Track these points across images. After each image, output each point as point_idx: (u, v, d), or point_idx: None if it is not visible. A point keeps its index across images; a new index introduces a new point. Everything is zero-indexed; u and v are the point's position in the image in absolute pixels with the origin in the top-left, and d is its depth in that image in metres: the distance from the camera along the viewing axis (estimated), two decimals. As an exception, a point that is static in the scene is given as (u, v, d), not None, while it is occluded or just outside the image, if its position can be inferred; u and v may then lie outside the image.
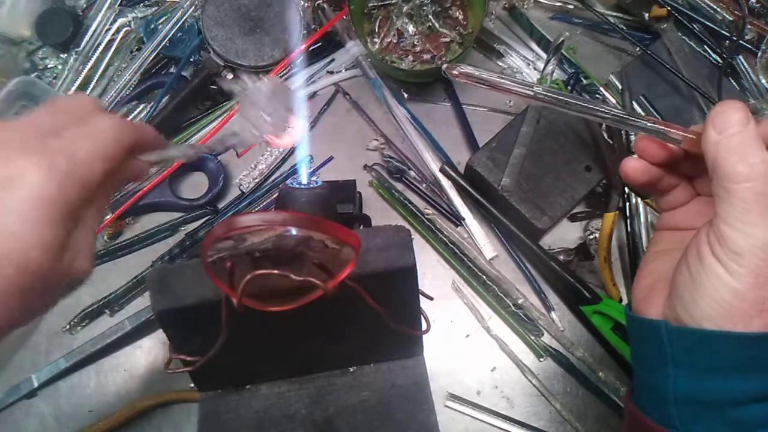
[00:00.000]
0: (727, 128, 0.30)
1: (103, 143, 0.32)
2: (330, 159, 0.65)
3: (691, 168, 0.38)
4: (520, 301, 0.59)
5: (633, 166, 0.38)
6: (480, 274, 0.60)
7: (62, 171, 0.29)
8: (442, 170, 0.62)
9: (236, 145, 0.64)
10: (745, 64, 0.65)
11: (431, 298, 0.51)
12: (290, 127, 0.44)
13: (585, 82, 0.66)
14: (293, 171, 0.65)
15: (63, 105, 0.34)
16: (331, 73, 0.67)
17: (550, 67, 0.63)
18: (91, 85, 0.67)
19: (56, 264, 0.29)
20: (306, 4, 0.68)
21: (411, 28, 0.66)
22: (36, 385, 0.57)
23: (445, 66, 0.38)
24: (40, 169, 0.28)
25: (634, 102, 0.64)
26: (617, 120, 0.36)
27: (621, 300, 0.58)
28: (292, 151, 0.65)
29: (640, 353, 0.36)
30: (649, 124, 0.35)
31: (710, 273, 0.30)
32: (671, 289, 0.33)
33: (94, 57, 0.67)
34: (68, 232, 0.30)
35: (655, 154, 0.37)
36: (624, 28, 0.67)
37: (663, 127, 0.35)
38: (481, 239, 0.61)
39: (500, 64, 0.68)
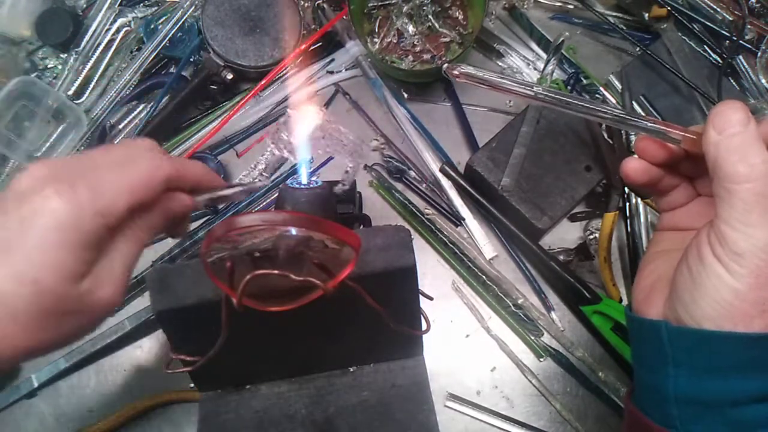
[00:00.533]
0: (728, 128, 0.30)
1: (133, 177, 0.34)
2: (330, 159, 0.65)
3: (692, 168, 0.38)
4: (520, 301, 0.59)
5: (633, 167, 0.38)
6: (480, 274, 0.60)
7: (82, 201, 0.31)
8: (442, 170, 0.62)
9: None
10: (745, 64, 0.65)
11: (431, 298, 0.51)
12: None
13: (585, 82, 0.66)
14: (293, 171, 0.65)
15: (121, 144, 0.37)
16: (331, 73, 0.67)
17: (550, 67, 0.63)
18: (91, 85, 0.67)
19: (72, 288, 0.31)
20: (306, 4, 0.68)
21: (411, 28, 0.66)
22: (36, 385, 0.57)
23: (445, 66, 0.38)
24: (61, 198, 0.31)
25: (634, 102, 0.64)
26: (617, 120, 0.36)
27: (621, 300, 0.58)
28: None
29: (640, 353, 0.36)
30: (649, 124, 0.35)
31: (711, 273, 0.30)
32: (671, 290, 0.33)
33: (94, 57, 0.67)
34: (88, 260, 0.32)
35: (655, 155, 0.37)
36: (624, 28, 0.67)
37: (663, 127, 0.35)
38: (481, 239, 0.61)
39: (500, 64, 0.68)
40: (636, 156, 0.38)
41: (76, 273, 0.31)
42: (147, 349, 0.59)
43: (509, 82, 0.37)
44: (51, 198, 0.31)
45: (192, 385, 0.56)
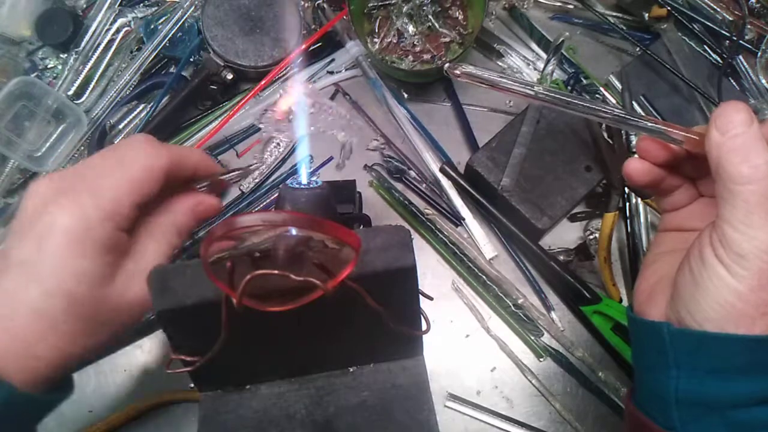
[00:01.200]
0: (730, 129, 0.30)
1: (132, 174, 0.35)
2: (330, 159, 0.65)
3: (694, 169, 0.37)
4: (520, 301, 0.59)
5: (635, 167, 0.38)
6: (480, 274, 0.60)
7: (88, 210, 0.33)
8: (442, 170, 0.62)
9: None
10: (745, 64, 0.65)
11: (431, 298, 0.51)
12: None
13: (585, 82, 0.66)
14: (293, 171, 0.65)
15: (114, 146, 0.37)
16: (331, 73, 0.67)
17: (550, 67, 0.63)
18: (91, 85, 0.67)
19: (104, 291, 0.33)
20: (306, 4, 0.68)
21: (411, 28, 0.66)
22: (36, 385, 0.57)
23: (446, 66, 0.38)
24: (67, 212, 0.32)
25: (634, 102, 0.64)
26: (618, 120, 0.36)
27: (621, 300, 0.58)
28: (292, 151, 0.65)
29: (641, 354, 0.36)
30: (650, 124, 0.35)
31: (713, 275, 0.30)
32: (673, 291, 0.33)
33: (94, 57, 0.67)
34: (110, 263, 0.34)
35: (656, 155, 0.37)
36: (624, 28, 0.67)
37: (664, 128, 0.34)
38: (481, 239, 0.61)
39: (500, 64, 0.68)
40: (637, 156, 0.38)
41: (103, 277, 0.33)
42: (147, 349, 0.59)
43: (510, 82, 0.37)
44: (59, 213, 0.32)
45: (192, 385, 0.56)
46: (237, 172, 0.44)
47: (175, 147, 0.39)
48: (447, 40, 0.66)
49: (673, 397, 0.32)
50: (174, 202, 0.39)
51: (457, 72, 0.37)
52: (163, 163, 0.36)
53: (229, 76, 0.65)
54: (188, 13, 0.66)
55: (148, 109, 0.65)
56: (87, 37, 0.67)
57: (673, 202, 0.39)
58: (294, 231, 0.34)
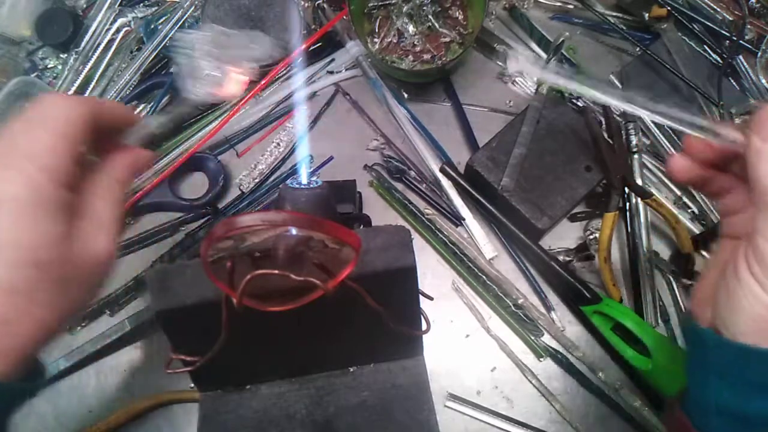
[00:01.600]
0: None
1: (56, 128, 0.34)
2: (330, 159, 0.65)
3: (743, 169, 0.35)
4: (520, 301, 0.59)
5: (678, 163, 0.36)
6: (480, 274, 0.60)
7: (31, 174, 0.32)
8: (442, 170, 0.62)
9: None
10: (745, 64, 0.65)
11: (431, 298, 0.51)
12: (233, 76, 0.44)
13: (585, 82, 0.66)
14: (293, 171, 0.65)
15: (26, 112, 0.35)
16: (331, 73, 0.67)
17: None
18: (91, 85, 0.67)
19: (64, 249, 0.33)
20: (306, 4, 0.68)
21: (411, 28, 0.66)
22: (36, 385, 0.57)
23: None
24: (11, 180, 0.31)
25: (634, 102, 0.64)
26: (690, 126, 0.34)
27: (621, 300, 0.58)
28: (292, 151, 0.65)
29: (691, 360, 0.35)
30: (697, 120, 0.33)
31: (746, 290, 0.29)
32: (713, 302, 0.32)
33: (94, 57, 0.67)
34: (65, 222, 0.33)
35: (701, 151, 0.35)
36: (624, 28, 0.67)
37: (710, 125, 0.32)
38: (481, 239, 0.61)
39: (500, 64, 0.68)
40: (682, 153, 0.36)
41: (62, 236, 0.33)
42: (147, 349, 0.59)
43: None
44: (3, 185, 0.31)
45: (192, 385, 0.56)
46: (163, 118, 0.43)
47: (88, 97, 0.38)
48: (447, 40, 0.66)
49: (713, 406, 0.31)
50: (108, 159, 0.39)
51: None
52: (84, 110, 0.35)
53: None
54: (188, 13, 0.67)
55: (148, 109, 0.65)
56: (87, 37, 0.67)
57: (727, 206, 0.37)
58: (294, 231, 0.34)
